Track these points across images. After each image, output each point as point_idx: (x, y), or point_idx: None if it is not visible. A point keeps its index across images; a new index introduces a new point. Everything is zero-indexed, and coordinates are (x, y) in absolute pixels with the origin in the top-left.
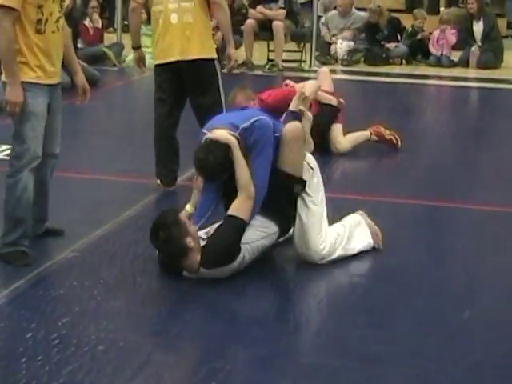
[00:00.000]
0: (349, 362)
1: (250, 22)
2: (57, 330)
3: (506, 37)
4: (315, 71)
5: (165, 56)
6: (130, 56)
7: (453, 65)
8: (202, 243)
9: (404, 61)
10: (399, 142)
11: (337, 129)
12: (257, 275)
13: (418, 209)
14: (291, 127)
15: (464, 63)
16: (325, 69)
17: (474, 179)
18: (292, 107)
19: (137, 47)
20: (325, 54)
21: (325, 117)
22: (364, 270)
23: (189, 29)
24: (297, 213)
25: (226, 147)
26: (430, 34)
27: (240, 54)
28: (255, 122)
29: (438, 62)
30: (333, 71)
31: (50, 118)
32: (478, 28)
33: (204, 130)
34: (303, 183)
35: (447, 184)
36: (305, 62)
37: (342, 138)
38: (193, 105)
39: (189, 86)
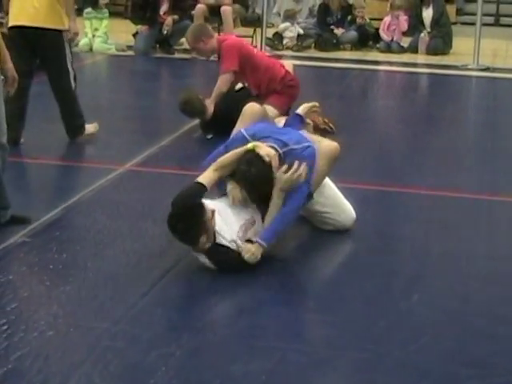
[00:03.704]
0: (298, 345)
1: (200, 6)
2: (5, 316)
3: (455, 23)
4: None
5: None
6: (82, 40)
7: (402, 51)
8: (224, 242)
9: (354, 47)
10: (333, 128)
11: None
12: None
13: (368, 193)
14: (332, 146)
15: (414, 49)
16: (289, 62)
17: (423, 164)
18: (301, 111)
19: None
20: (276, 39)
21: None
22: (313, 255)
23: None
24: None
25: (270, 167)
26: (376, 20)
27: None
28: (308, 147)
29: (388, 48)
30: (281, 56)
31: None
32: (428, 14)
33: (246, 135)
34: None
35: (397, 169)
36: (255, 47)
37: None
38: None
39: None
